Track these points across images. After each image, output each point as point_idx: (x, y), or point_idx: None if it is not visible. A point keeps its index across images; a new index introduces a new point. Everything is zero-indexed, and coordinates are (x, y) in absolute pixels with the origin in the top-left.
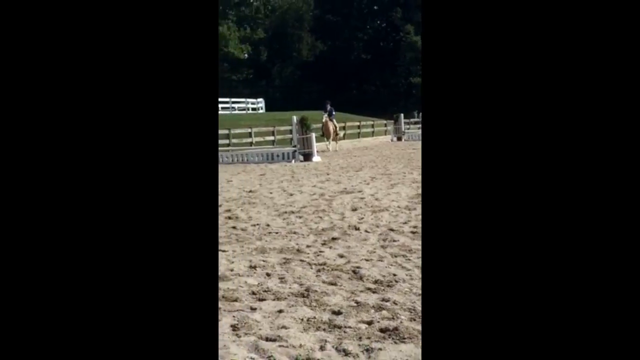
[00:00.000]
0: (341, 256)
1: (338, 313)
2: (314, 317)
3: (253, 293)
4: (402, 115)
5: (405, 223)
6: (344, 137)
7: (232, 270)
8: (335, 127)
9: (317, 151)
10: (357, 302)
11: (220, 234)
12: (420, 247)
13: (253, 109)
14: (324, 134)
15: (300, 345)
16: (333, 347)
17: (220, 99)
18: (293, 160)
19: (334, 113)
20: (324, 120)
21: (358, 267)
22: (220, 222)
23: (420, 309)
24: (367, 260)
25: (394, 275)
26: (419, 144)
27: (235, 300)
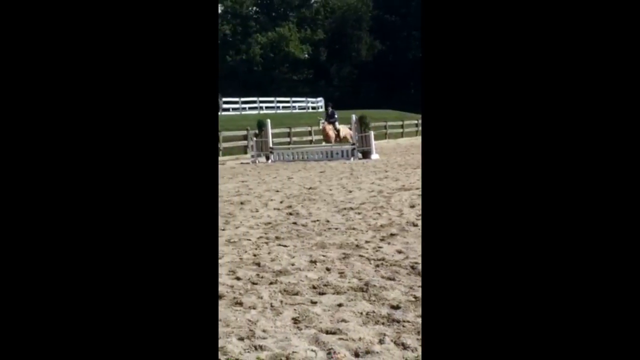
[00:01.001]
0: (400, 252)
1: (397, 307)
2: (373, 311)
3: (313, 287)
4: None
5: None
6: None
7: (293, 264)
8: (338, 131)
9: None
10: (415, 297)
11: (282, 229)
12: None
13: (313, 108)
14: (325, 139)
15: (360, 339)
16: (392, 340)
17: (281, 99)
18: (352, 158)
19: (336, 116)
20: (321, 126)
21: (416, 263)
22: (281, 218)
23: None
24: None
25: None
26: None
27: (296, 294)
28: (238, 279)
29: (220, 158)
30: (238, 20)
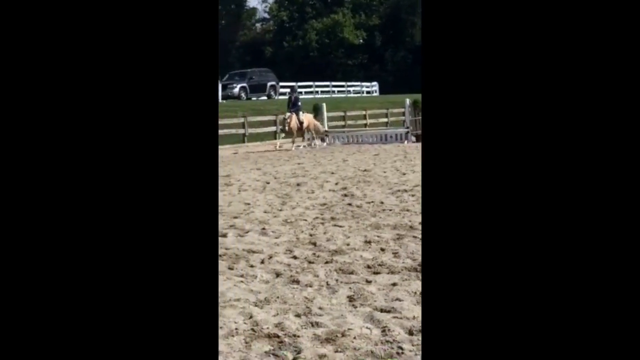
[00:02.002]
0: None
1: None
2: None
3: (368, 267)
4: None
5: None
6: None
7: (348, 244)
8: (302, 123)
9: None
10: None
11: (337, 210)
12: None
13: (367, 92)
14: (286, 130)
15: (414, 317)
16: None
17: (336, 83)
18: (405, 141)
19: (299, 104)
20: (286, 115)
21: None
22: (336, 199)
23: None
24: None
25: None
26: None
27: (352, 273)
28: (295, 257)
29: (277, 141)
30: (295, 7)
